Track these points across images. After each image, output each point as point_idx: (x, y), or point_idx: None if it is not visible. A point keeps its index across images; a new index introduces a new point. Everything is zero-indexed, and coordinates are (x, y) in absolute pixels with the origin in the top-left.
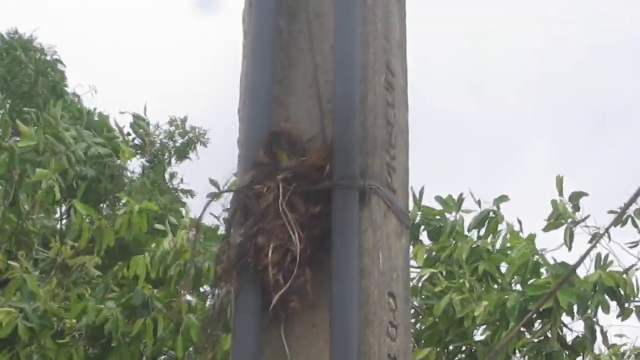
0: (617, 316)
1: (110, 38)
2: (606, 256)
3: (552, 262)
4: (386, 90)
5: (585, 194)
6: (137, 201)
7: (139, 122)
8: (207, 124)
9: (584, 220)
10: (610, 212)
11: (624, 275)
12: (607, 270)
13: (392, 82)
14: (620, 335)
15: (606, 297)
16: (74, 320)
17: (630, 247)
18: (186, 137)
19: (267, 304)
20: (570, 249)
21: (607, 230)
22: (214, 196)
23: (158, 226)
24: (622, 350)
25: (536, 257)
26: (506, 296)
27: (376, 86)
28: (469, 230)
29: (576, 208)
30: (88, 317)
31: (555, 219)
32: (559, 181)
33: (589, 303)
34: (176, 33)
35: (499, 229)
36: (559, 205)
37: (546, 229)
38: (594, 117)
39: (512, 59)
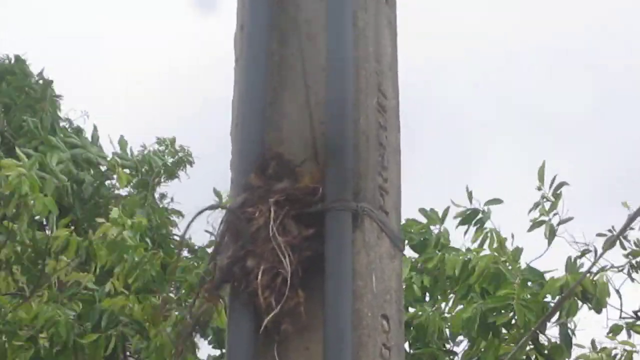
0: (609, 332)
1: (89, 38)
2: (576, 258)
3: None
4: (378, 113)
5: (566, 184)
6: (129, 215)
7: (123, 155)
8: (199, 136)
9: (567, 221)
10: (600, 234)
11: (595, 277)
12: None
13: (384, 104)
14: (612, 338)
15: (576, 299)
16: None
17: (618, 272)
18: (176, 157)
19: (260, 327)
20: (549, 244)
21: (599, 256)
22: (199, 212)
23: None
24: (613, 353)
25: (498, 265)
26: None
27: (368, 109)
28: (456, 227)
29: (558, 198)
30: (38, 320)
31: (535, 210)
32: (541, 171)
33: (562, 308)
34: (173, 33)
35: (485, 227)
36: (542, 195)
37: (531, 229)
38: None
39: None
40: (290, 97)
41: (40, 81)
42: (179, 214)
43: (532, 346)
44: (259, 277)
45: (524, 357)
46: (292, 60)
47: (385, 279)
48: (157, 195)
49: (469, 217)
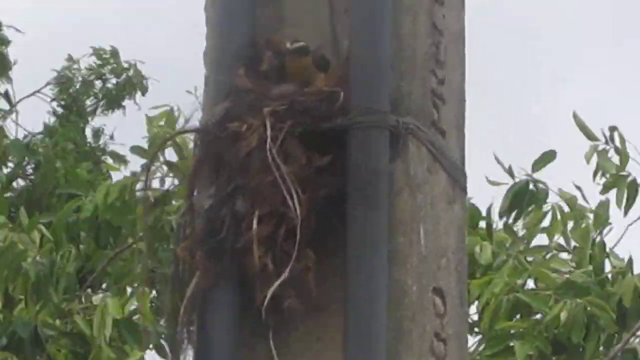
0: None
1: None
2: None
3: None
4: None
5: (616, 128)
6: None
7: None
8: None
9: None
10: None
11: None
12: None
13: None
14: None
15: None
16: None
17: None
18: (122, 77)
19: (250, 303)
20: (625, 213)
21: None
22: (166, 140)
23: None
24: None
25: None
26: None
27: None
28: (500, 217)
29: (622, 143)
30: None
31: (599, 172)
32: (580, 121)
33: None
34: None
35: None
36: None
37: (604, 192)
38: None
39: None
40: None
41: None
42: (121, 159)
43: None
44: (254, 225)
45: None
46: None
47: (441, 233)
48: (88, 132)
49: (516, 200)
